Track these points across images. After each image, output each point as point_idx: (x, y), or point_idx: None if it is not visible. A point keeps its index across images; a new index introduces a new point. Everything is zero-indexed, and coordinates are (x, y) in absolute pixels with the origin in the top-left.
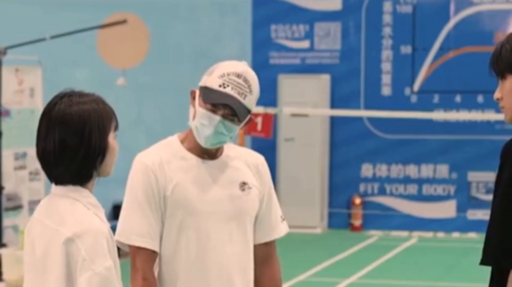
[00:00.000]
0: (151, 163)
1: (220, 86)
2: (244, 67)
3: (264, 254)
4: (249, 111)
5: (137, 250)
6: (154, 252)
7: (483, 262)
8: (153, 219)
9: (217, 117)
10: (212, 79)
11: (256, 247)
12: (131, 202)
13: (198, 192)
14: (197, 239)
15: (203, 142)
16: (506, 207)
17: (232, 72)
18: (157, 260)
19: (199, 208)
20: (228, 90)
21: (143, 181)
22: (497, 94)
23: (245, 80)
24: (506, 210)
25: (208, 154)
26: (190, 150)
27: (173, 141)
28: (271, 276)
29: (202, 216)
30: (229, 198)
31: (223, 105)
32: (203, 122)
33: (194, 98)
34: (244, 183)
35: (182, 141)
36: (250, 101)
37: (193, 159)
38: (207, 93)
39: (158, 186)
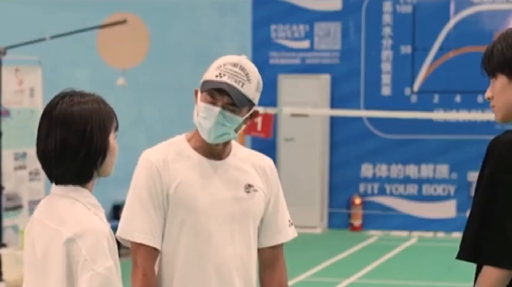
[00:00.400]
0: (155, 160)
1: (216, 76)
2: (240, 57)
3: (270, 258)
4: (250, 101)
5: (138, 247)
6: (155, 249)
7: (458, 257)
8: (155, 216)
9: (216, 109)
10: (209, 72)
11: (262, 250)
12: (134, 198)
13: (201, 191)
14: (198, 238)
15: (206, 137)
16: (484, 204)
17: (228, 62)
18: (158, 258)
19: (200, 208)
20: (224, 79)
21: (147, 178)
22: (488, 94)
23: (242, 69)
24: (483, 207)
25: (214, 153)
26: (196, 149)
27: (180, 140)
28: (276, 279)
29: (203, 216)
30: (233, 199)
31: (221, 94)
32: (203, 116)
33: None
34: (249, 185)
35: (189, 141)
36: (249, 89)
37: (198, 158)
38: (204, 85)
39: (161, 184)
